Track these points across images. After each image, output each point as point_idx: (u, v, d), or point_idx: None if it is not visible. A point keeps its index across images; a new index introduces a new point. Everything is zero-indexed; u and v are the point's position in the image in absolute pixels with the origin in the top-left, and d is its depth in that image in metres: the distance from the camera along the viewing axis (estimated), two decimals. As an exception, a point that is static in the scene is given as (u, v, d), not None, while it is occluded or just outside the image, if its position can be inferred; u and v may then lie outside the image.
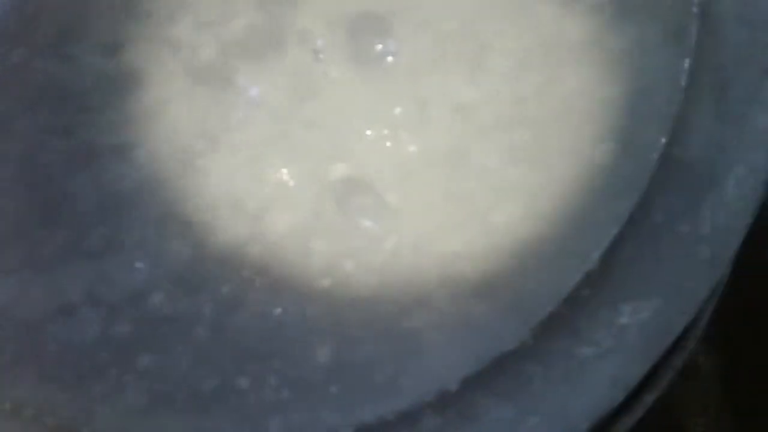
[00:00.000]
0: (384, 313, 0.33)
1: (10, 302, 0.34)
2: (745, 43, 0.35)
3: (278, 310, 0.33)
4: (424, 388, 0.31)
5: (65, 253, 0.35)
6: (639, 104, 0.35)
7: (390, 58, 0.38)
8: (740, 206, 0.33)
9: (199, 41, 0.39)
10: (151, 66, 0.39)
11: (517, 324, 0.31)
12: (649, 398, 0.35)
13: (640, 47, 0.36)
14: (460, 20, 0.38)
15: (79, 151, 0.37)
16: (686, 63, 0.34)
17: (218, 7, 0.39)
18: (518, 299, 0.32)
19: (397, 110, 0.36)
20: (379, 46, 0.38)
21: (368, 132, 0.36)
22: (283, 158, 0.36)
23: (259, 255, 0.34)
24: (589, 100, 0.35)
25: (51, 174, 0.36)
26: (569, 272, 0.32)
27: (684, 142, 0.34)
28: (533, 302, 0.32)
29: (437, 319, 0.33)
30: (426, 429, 0.31)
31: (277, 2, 0.39)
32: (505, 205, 0.34)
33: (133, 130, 0.37)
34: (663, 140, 0.33)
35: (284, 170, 0.36)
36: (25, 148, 0.37)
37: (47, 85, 0.38)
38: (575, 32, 0.36)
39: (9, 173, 0.37)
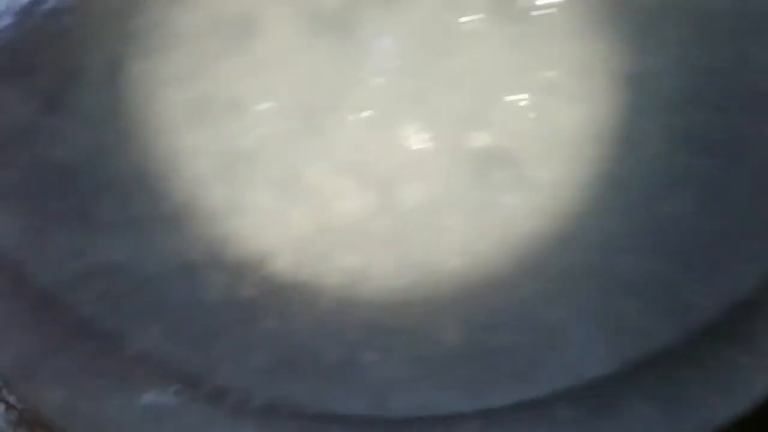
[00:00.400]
0: (522, 300, 0.30)
1: (130, 257, 0.32)
2: None
3: (406, 287, 0.31)
4: (560, 381, 0.29)
5: (186, 211, 0.33)
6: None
7: (536, 13, 0.34)
8: None
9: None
10: (270, 12, 0.36)
11: (674, 326, 0.29)
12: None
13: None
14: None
15: (197, 103, 0.35)
16: None
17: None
18: (678, 300, 0.29)
19: (548, 74, 0.33)
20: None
21: (513, 98, 0.33)
22: (416, 121, 0.33)
23: (388, 227, 0.32)
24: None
25: (169, 126, 0.34)
26: (740, 274, 0.28)
27: None
28: (695, 304, 0.29)
29: (583, 312, 0.30)
30: (558, 420, 0.29)
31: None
32: (674, 194, 0.30)
33: (252, 82, 0.35)
34: None
35: (417, 135, 0.33)
36: (141, 97, 0.35)
37: (163, 30, 0.36)
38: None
39: (125, 122, 0.35)
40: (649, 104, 0.32)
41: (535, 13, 0.34)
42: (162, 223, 0.33)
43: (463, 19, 0.35)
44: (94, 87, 0.35)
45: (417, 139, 0.33)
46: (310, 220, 0.32)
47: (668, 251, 0.30)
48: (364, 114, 0.34)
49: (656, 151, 0.31)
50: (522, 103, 0.33)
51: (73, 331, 0.31)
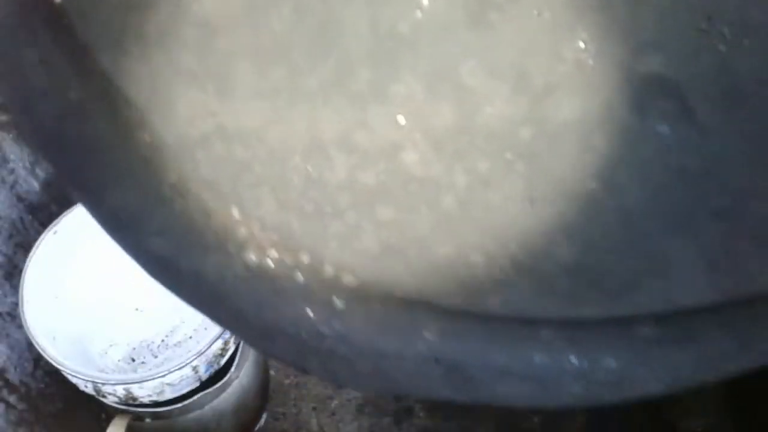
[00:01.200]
0: (643, 230, 0.32)
1: (263, 125, 0.32)
2: None
3: (532, 200, 0.32)
4: (651, 305, 0.32)
5: (327, 88, 0.32)
6: None
7: None
8: None
9: None
10: None
11: None
12: None
13: None
14: None
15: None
16: None
17: None
18: None
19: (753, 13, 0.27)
20: None
21: (702, 26, 0.28)
22: (587, 30, 0.29)
23: (530, 139, 0.31)
24: None
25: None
26: None
27: None
28: None
29: (698, 248, 0.32)
30: (640, 336, 0.33)
31: None
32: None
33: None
34: None
35: (586, 46, 0.29)
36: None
37: None
38: None
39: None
40: None
41: None
42: (299, 98, 0.31)
43: None
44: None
45: (584, 52, 0.29)
46: (453, 118, 0.31)
47: None
48: (533, 14, 0.29)
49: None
50: (710, 35, 0.28)
51: (184, 187, 0.32)
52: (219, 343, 0.67)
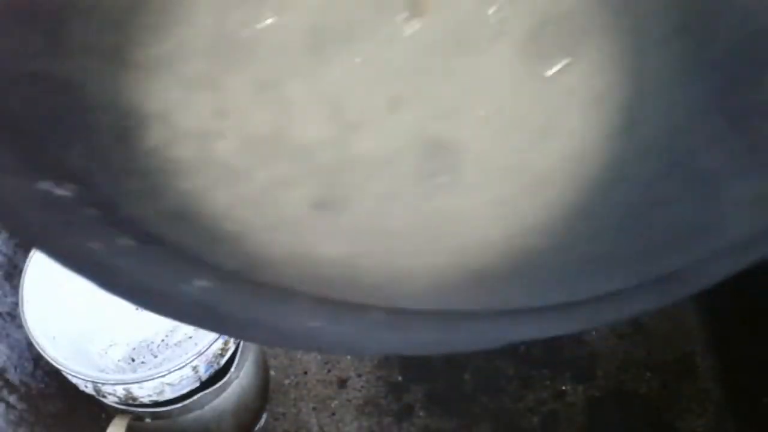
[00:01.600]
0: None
1: None
2: None
3: (316, 206, 0.35)
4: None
5: (158, 66, 0.35)
6: None
7: None
8: None
9: None
10: None
11: None
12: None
13: None
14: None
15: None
16: None
17: None
18: None
19: None
20: None
21: None
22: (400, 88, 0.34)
23: (329, 160, 0.35)
24: None
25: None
26: None
27: None
28: None
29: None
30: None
31: None
32: None
33: None
34: None
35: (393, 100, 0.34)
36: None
37: None
38: None
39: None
40: None
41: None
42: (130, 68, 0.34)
43: None
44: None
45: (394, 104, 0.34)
46: (269, 123, 0.35)
47: None
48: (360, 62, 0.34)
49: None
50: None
51: None
52: (219, 343, 0.67)
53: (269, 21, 0.34)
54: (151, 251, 0.31)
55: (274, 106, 0.35)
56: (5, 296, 0.73)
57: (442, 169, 0.34)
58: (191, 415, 0.72)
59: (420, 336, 0.30)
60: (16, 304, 0.69)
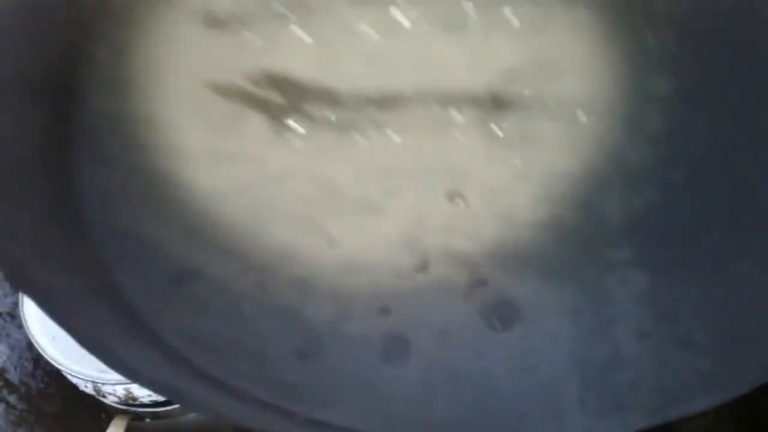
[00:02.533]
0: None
1: None
2: None
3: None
4: None
5: None
6: None
7: None
8: None
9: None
10: None
11: None
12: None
13: None
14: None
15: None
16: None
17: None
18: None
19: None
20: None
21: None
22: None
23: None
24: None
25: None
26: None
27: None
28: None
29: None
30: None
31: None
32: None
33: None
34: None
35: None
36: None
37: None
38: None
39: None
40: None
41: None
42: None
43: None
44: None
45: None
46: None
47: None
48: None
49: None
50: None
51: None
52: (219, 343, 0.67)
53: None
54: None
55: None
56: (5, 296, 0.73)
57: None
58: (191, 415, 0.72)
59: None
60: (16, 304, 0.69)
